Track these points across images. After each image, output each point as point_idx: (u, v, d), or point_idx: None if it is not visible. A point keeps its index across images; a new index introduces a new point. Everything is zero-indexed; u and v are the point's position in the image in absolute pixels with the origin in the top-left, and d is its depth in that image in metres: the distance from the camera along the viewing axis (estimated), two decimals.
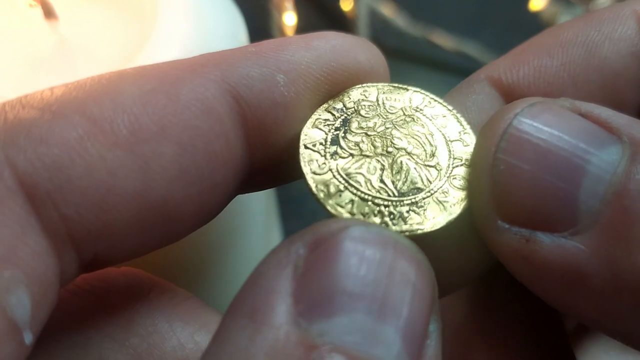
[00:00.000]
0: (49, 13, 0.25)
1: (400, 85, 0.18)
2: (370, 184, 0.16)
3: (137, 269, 0.18)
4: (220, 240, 0.29)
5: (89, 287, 0.17)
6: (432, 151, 0.16)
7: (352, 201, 0.16)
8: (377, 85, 0.18)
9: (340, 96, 0.17)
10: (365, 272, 0.13)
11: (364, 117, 0.17)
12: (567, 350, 0.18)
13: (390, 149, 0.16)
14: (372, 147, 0.17)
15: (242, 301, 0.14)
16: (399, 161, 0.16)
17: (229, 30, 0.26)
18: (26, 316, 0.13)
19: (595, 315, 0.14)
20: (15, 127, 0.14)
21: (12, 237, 0.13)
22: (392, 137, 0.17)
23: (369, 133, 0.17)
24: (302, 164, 0.16)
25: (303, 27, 0.47)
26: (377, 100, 0.17)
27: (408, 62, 0.49)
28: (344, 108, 0.17)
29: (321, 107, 0.17)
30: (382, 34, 0.49)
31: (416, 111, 0.17)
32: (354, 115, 0.17)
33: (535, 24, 0.48)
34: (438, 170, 0.16)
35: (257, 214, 0.32)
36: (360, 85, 0.18)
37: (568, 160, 0.14)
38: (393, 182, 0.16)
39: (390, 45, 0.50)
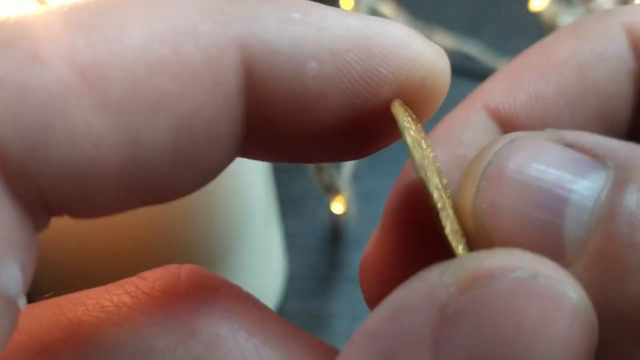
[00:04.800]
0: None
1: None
2: None
3: (202, 268, 0.16)
4: (220, 240, 0.29)
5: (149, 289, 0.15)
6: None
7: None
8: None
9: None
10: (525, 337, 0.11)
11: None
12: None
13: None
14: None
15: (378, 332, 0.12)
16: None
17: None
18: (18, 287, 0.12)
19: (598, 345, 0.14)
20: None
21: None
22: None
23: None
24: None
25: None
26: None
27: None
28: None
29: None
30: None
31: None
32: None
33: (536, 24, 0.47)
34: None
35: (257, 214, 0.32)
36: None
37: (550, 191, 0.14)
38: None
39: None
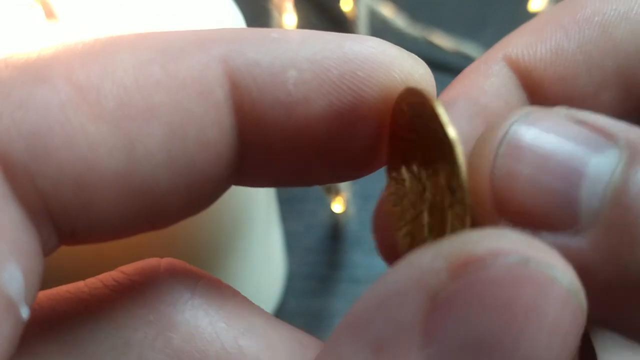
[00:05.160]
0: (49, 13, 0.25)
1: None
2: None
3: (182, 261, 0.17)
4: (220, 240, 0.29)
5: (129, 282, 0.16)
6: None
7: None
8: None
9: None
10: (517, 324, 0.11)
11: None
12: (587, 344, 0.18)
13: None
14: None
15: (366, 323, 0.12)
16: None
17: None
18: (20, 291, 0.13)
19: (602, 311, 0.14)
20: None
21: None
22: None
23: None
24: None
25: (303, 28, 0.47)
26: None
27: None
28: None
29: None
30: (381, 34, 0.49)
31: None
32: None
33: None
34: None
35: (257, 214, 0.32)
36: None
37: (566, 163, 0.14)
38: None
39: None
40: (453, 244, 0.12)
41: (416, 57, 0.16)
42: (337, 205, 0.41)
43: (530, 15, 0.52)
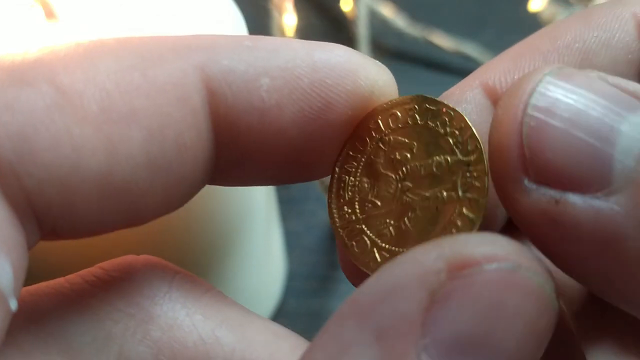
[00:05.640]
0: (49, 13, 0.25)
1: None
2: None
3: (158, 258, 0.17)
4: (220, 240, 0.29)
5: (108, 278, 0.16)
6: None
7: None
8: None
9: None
10: (502, 324, 0.13)
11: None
12: (574, 349, 0.18)
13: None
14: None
15: (370, 311, 0.13)
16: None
17: (229, 31, 0.26)
18: (10, 283, 0.13)
19: (623, 284, 0.14)
20: None
21: None
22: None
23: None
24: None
25: (303, 28, 0.47)
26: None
27: (407, 62, 0.49)
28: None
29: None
30: (381, 35, 0.49)
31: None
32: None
33: (535, 24, 0.48)
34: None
35: (257, 214, 0.32)
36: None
37: (601, 120, 0.14)
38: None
39: (390, 46, 0.50)
40: (452, 246, 0.13)
41: (380, 64, 0.16)
42: None
43: (530, 16, 0.52)
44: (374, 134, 0.17)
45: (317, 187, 0.40)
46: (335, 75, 0.16)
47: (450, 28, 0.49)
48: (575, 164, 0.14)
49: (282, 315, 0.38)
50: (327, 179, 0.17)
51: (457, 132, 0.16)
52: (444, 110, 0.16)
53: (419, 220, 0.16)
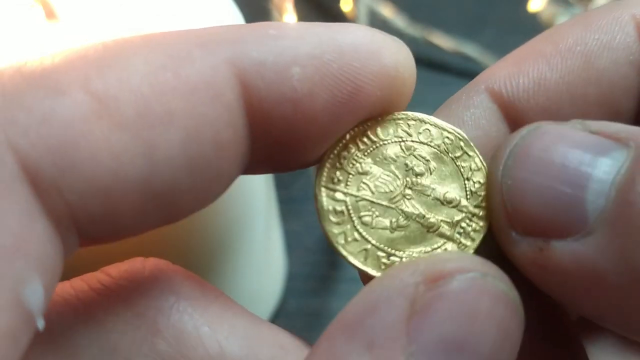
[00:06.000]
0: (49, 13, 0.25)
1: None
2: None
3: (166, 262, 0.17)
4: (220, 240, 0.29)
5: (115, 286, 0.16)
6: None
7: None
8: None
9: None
10: (479, 326, 0.14)
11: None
12: (574, 344, 0.18)
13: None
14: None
15: (359, 324, 0.14)
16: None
17: None
18: (40, 305, 0.13)
19: (614, 313, 0.15)
20: (15, 103, 0.13)
21: (21, 226, 0.13)
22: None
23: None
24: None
25: None
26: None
27: None
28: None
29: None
30: None
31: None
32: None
33: (535, 24, 0.48)
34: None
35: (257, 214, 0.32)
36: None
37: (573, 168, 0.15)
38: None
39: None
40: (427, 263, 0.15)
41: (398, 39, 0.16)
42: None
43: (530, 16, 0.52)
44: (400, 132, 0.17)
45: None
46: (362, 57, 0.16)
47: (450, 28, 0.49)
48: (552, 213, 0.15)
49: (282, 315, 0.38)
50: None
51: (476, 183, 0.17)
52: (477, 160, 0.17)
53: (406, 229, 0.17)
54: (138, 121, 0.14)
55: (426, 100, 0.24)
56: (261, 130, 0.15)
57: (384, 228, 0.16)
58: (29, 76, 0.13)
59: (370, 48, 0.16)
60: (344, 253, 0.17)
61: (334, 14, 0.52)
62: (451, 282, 0.14)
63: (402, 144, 0.17)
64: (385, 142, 0.17)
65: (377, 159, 0.17)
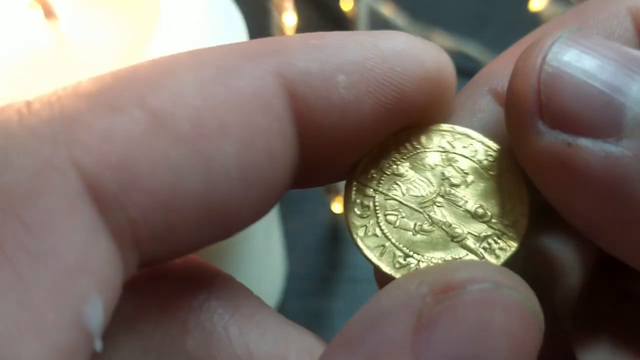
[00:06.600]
0: (49, 13, 0.25)
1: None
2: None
3: (197, 258, 0.17)
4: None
5: (145, 284, 0.16)
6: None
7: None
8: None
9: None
10: (490, 342, 0.13)
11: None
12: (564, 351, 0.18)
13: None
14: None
15: (361, 340, 0.13)
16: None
17: (229, 31, 0.26)
18: (99, 325, 0.13)
19: (629, 231, 0.14)
20: (76, 121, 0.13)
21: (85, 244, 0.13)
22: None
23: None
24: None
25: (303, 27, 0.47)
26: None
27: None
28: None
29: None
30: None
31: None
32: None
33: (536, 24, 0.47)
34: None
35: None
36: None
37: (615, 74, 0.14)
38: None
39: None
40: (435, 272, 0.14)
41: (437, 46, 0.17)
42: (337, 205, 0.41)
43: (531, 15, 0.52)
44: (444, 143, 0.17)
45: (317, 187, 0.40)
46: (404, 62, 0.16)
47: (450, 28, 0.49)
48: (588, 110, 0.14)
49: (281, 315, 0.38)
50: None
51: (511, 207, 0.16)
52: (519, 185, 0.17)
53: (430, 234, 0.16)
54: (194, 135, 0.14)
55: None
56: (310, 139, 0.16)
57: (407, 229, 0.16)
58: (85, 96, 0.14)
59: (411, 53, 0.16)
60: (361, 246, 0.16)
61: (334, 14, 0.52)
62: (461, 293, 0.13)
63: (444, 154, 0.17)
64: (427, 150, 0.17)
65: (415, 164, 0.17)
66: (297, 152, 0.16)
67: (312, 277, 0.40)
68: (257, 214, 0.16)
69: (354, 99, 0.15)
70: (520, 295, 0.14)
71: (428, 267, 0.14)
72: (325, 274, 0.40)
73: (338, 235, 0.41)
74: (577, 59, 0.15)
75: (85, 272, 0.13)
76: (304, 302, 0.39)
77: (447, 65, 0.16)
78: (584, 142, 0.14)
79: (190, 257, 0.17)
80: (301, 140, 0.16)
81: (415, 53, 0.16)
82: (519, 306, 0.13)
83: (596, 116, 0.14)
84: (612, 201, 0.14)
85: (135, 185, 0.13)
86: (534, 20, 0.48)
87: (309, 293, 0.39)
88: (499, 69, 0.18)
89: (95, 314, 0.13)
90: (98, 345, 0.13)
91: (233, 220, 0.15)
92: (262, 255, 0.34)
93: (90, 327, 0.13)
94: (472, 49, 0.47)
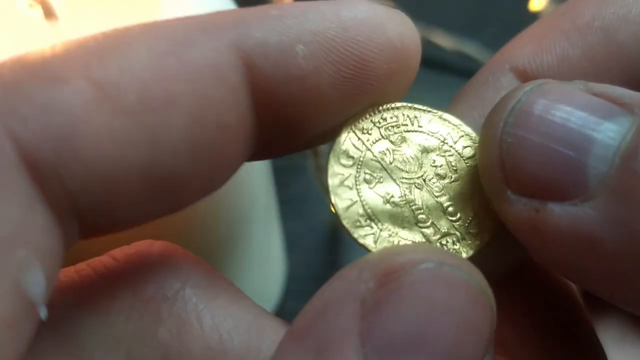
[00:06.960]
0: (49, 13, 0.25)
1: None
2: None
3: (176, 246, 0.17)
4: (220, 241, 0.29)
5: (119, 270, 0.16)
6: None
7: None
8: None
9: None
10: (436, 319, 0.13)
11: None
12: (593, 342, 0.18)
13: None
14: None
15: (308, 331, 0.14)
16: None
17: None
18: (42, 293, 0.13)
19: (608, 282, 0.14)
20: (15, 93, 0.13)
21: (21, 215, 0.13)
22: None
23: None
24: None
25: None
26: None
27: None
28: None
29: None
30: None
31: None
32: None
33: None
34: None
35: (257, 214, 0.32)
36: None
37: (578, 131, 0.14)
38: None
39: None
40: (375, 259, 0.14)
41: (401, 13, 0.17)
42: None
43: (531, 15, 0.52)
44: (447, 134, 0.17)
45: (318, 188, 0.40)
46: (366, 30, 0.15)
47: (450, 27, 0.49)
48: (552, 175, 0.14)
49: (282, 315, 0.37)
50: (319, 149, 0.18)
51: (482, 219, 0.17)
52: None
53: (398, 208, 0.16)
54: (140, 107, 0.14)
55: (426, 99, 0.23)
56: (269, 112, 0.15)
57: (379, 195, 0.16)
58: (29, 67, 0.13)
59: (373, 21, 0.16)
60: (330, 188, 0.16)
61: None
62: (403, 275, 0.13)
63: (442, 145, 0.17)
64: (430, 134, 0.17)
65: (413, 142, 0.17)
66: (253, 124, 0.15)
67: (312, 277, 0.40)
68: (210, 186, 0.16)
69: (313, 69, 0.15)
70: (463, 273, 0.13)
71: (368, 255, 0.14)
72: (325, 274, 0.40)
73: (338, 235, 0.41)
74: (537, 122, 0.15)
75: (23, 243, 0.13)
76: (303, 303, 0.39)
77: (411, 34, 0.16)
78: (551, 207, 0.14)
79: (169, 245, 0.17)
80: (259, 112, 0.15)
81: (378, 21, 0.16)
82: (463, 283, 0.13)
83: (560, 180, 0.14)
84: (587, 260, 0.14)
85: (75, 157, 0.13)
86: (534, 20, 0.48)
87: (308, 293, 0.39)
88: (519, 49, 0.18)
89: (37, 283, 0.13)
90: (43, 312, 0.13)
91: (182, 192, 0.15)
92: (262, 256, 0.34)
93: (32, 296, 0.13)
94: (471, 49, 0.47)
